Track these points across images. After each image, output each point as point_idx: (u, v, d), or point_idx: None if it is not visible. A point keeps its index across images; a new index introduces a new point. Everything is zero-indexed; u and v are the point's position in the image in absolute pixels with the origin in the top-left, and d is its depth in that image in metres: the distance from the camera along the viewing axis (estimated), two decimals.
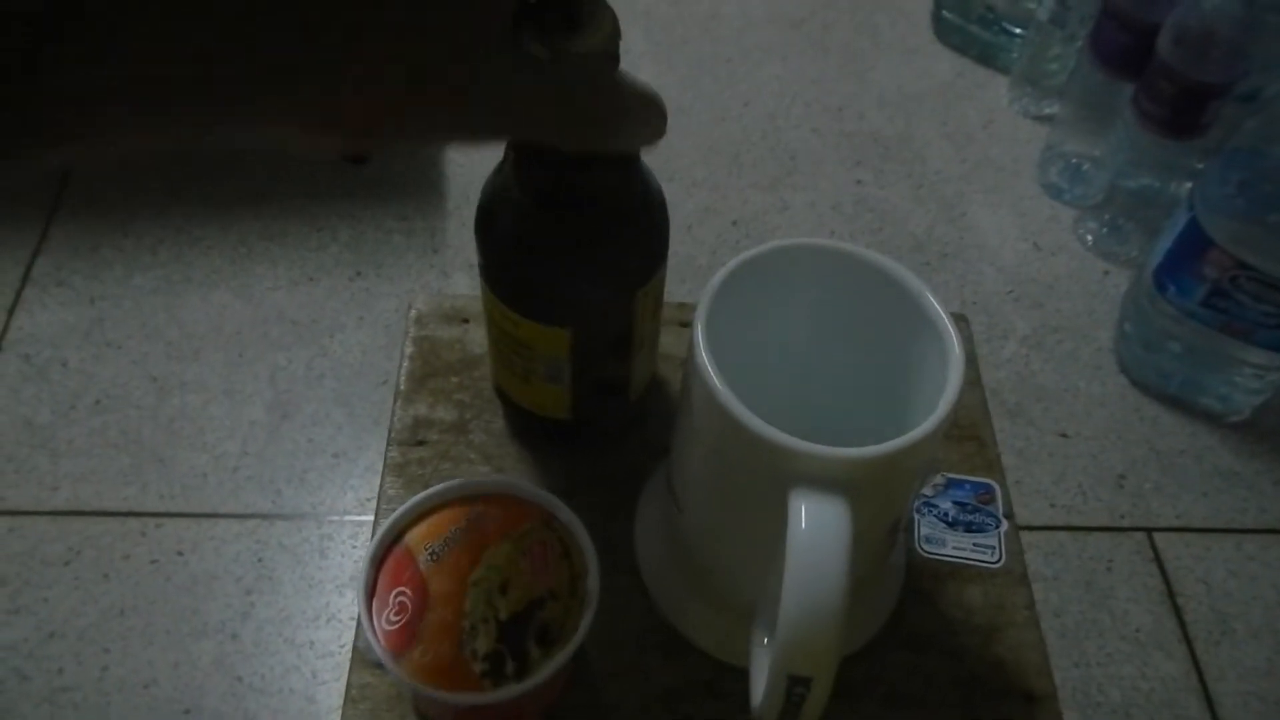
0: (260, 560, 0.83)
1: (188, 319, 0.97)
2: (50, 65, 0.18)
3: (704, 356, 0.33)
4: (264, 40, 0.20)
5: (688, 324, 0.50)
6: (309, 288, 1.00)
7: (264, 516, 0.85)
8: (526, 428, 0.45)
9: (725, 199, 1.09)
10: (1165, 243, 0.89)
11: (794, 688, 0.31)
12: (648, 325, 0.41)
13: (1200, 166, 0.91)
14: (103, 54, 0.19)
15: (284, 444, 0.89)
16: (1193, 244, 0.86)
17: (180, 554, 0.83)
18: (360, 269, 1.02)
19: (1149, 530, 0.90)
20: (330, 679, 0.77)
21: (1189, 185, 0.90)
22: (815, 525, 0.31)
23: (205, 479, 0.87)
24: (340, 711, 0.38)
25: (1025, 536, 0.88)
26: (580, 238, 0.37)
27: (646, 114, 0.28)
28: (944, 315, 0.35)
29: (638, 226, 0.38)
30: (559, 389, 0.41)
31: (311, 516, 0.86)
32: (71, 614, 0.79)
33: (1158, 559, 0.88)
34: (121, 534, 0.83)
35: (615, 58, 0.31)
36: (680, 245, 1.02)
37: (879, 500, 0.34)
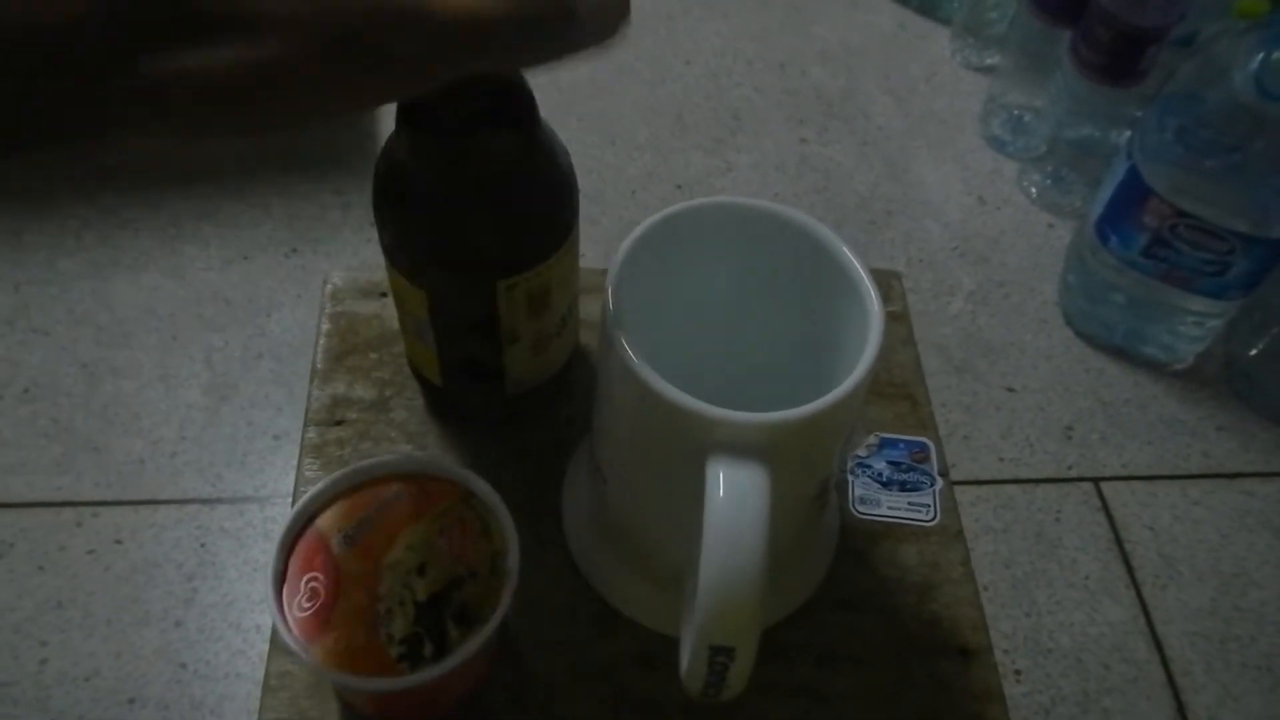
0: (202, 545, 0.81)
1: (118, 303, 0.94)
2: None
3: (615, 322, 0.32)
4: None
5: None
6: (243, 266, 0.97)
7: (205, 501, 0.84)
8: (421, 388, 0.44)
9: (668, 162, 1.08)
10: (1106, 193, 0.89)
11: (716, 657, 0.31)
12: (523, 322, 0.38)
13: (1139, 114, 0.91)
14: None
15: (223, 427, 0.87)
16: (1132, 193, 0.86)
17: (119, 542, 0.81)
18: (296, 245, 0.99)
19: (1096, 480, 0.91)
20: None
21: (1129, 134, 0.89)
22: (733, 493, 0.30)
23: (142, 465, 0.85)
24: (260, 701, 0.37)
25: (974, 491, 0.89)
26: (437, 201, 0.35)
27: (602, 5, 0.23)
28: (864, 273, 0.34)
29: (499, 216, 0.35)
30: (428, 350, 0.40)
31: (254, 500, 0.84)
32: (6, 608, 0.77)
33: (1105, 508, 0.89)
34: (56, 525, 0.81)
35: None
36: (624, 210, 1.00)
37: (801, 463, 0.33)
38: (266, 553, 0.82)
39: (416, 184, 0.35)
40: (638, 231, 0.34)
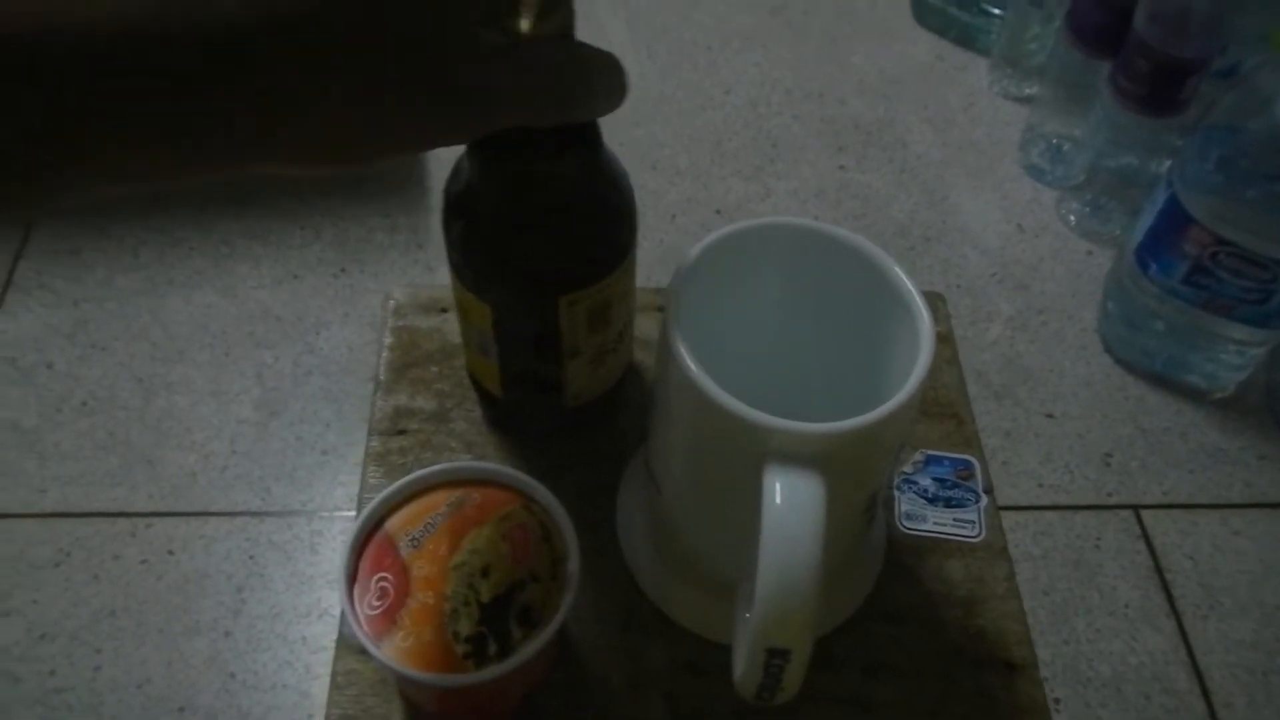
0: (251, 557, 0.83)
1: (172, 319, 0.97)
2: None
3: (676, 336, 0.33)
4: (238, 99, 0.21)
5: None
6: (293, 285, 1.00)
7: (254, 514, 0.86)
8: (480, 400, 0.46)
9: (708, 188, 1.09)
10: (1146, 221, 0.90)
11: (772, 660, 0.31)
12: (582, 336, 0.40)
13: (1180, 144, 0.92)
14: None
15: (272, 442, 0.90)
16: (1173, 221, 0.86)
17: (171, 553, 0.83)
18: (344, 266, 1.02)
19: (1136, 507, 0.90)
20: (324, 673, 0.78)
21: (1169, 163, 0.90)
22: (789, 500, 0.31)
23: (194, 478, 0.87)
24: (327, 698, 0.38)
25: (1013, 516, 0.89)
26: (504, 220, 0.37)
27: (608, 82, 0.28)
28: (914, 290, 0.35)
29: (563, 235, 0.37)
30: (491, 364, 0.41)
31: (301, 513, 0.86)
32: (62, 615, 0.79)
33: (1145, 535, 0.89)
34: (111, 535, 0.84)
35: (570, 37, 0.32)
36: (665, 234, 1.02)
37: (853, 474, 0.35)
38: (313, 565, 0.84)
39: (485, 204, 0.37)
40: (699, 248, 0.35)
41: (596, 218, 0.38)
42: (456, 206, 0.37)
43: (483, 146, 0.35)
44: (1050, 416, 0.95)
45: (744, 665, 0.33)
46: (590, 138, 0.36)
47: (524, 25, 0.29)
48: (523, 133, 0.34)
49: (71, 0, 0.20)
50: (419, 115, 0.24)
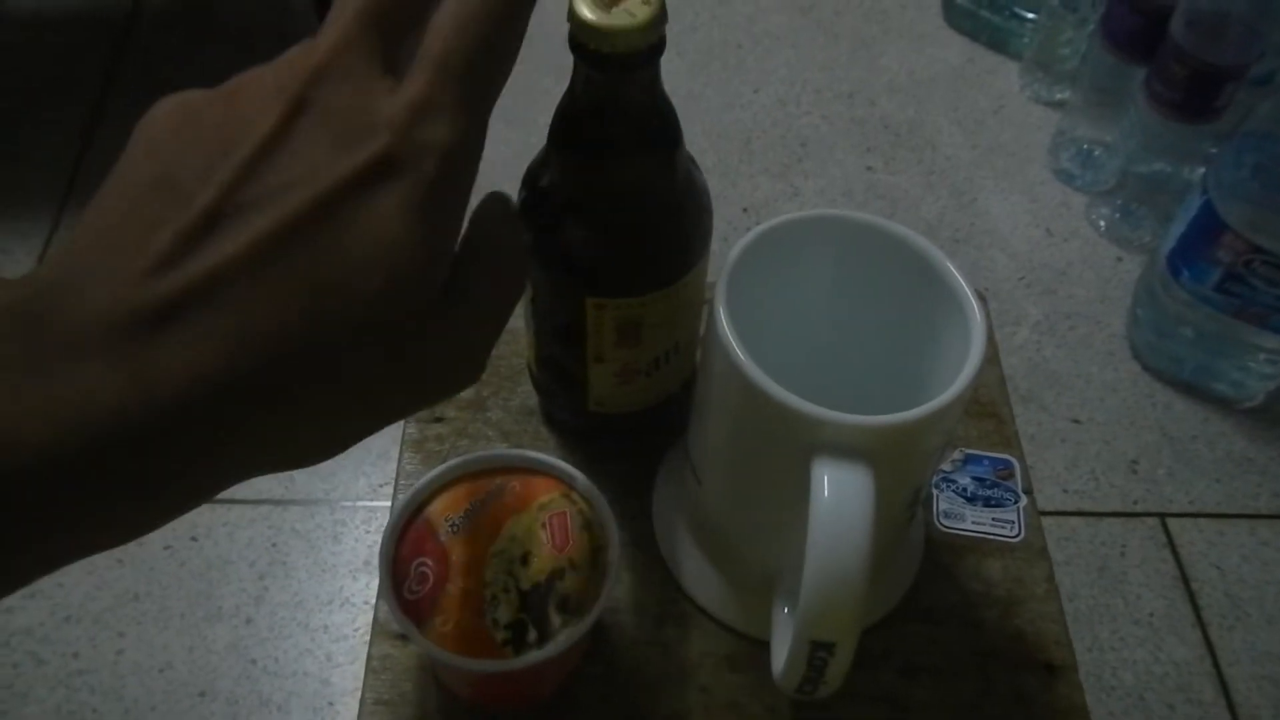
0: (274, 545, 0.83)
1: None
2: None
3: (725, 327, 0.33)
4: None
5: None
6: None
7: (277, 502, 0.86)
8: (528, 370, 0.46)
9: (736, 185, 1.09)
10: (1179, 228, 0.89)
11: (816, 653, 0.31)
12: (609, 346, 0.39)
13: (1214, 150, 0.91)
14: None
15: None
16: (1207, 228, 0.85)
17: (194, 539, 0.83)
18: None
19: (1162, 516, 0.90)
20: (345, 661, 0.78)
21: (1202, 170, 0.89)
22: (838, 493, 0.31)
23: None
24: (361, 683, 0.38)
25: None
26: (555, 199, 0.37)
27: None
28: (966, 286, 0.35)
29: (601, 234, 0.37)
30: (530, 335, 0.42)
31: (325, 502, 0.86)
32: (86, 598, 0.80)
33: (1171, 544, 0.88)
34: None
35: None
36: None
37: (900, 469, 0.34)
38: (335, 554, 0.84)
39: (545, 180, 0.37)
40: (749, 237, 0.35)
41: (642, 236, 0.37)
42: (528, 175, 0.37)
43: (555, 130, 0.36)
44: (1077, 422, 0.94)
45: (788, 658, 0.32)
46: (656, 168, 0.36)
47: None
48: (598, 129, 0.34)
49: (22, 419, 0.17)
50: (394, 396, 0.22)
